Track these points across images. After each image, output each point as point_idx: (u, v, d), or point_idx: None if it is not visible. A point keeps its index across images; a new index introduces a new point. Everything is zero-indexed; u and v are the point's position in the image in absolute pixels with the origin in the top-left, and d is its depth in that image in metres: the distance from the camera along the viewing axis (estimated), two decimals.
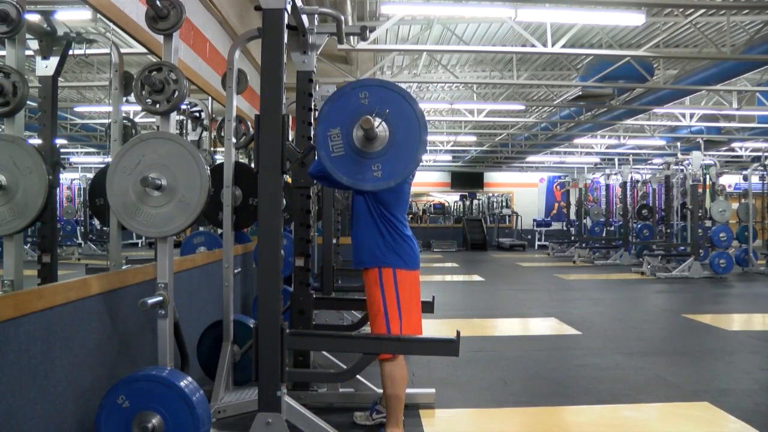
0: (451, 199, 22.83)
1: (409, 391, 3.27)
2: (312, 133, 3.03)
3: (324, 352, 3.43)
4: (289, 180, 3.10)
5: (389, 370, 2.57)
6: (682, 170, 11.70)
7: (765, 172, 11.23)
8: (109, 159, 2.75)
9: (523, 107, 12.41)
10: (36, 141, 2.32)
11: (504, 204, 21.99)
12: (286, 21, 2.22)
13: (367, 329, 3.97)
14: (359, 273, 2.77)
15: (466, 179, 22.66)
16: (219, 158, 4.41)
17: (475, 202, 22.26)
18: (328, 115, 2.22)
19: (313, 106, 3.04)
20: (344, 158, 2.20)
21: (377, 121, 2.14)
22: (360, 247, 2.67)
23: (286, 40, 2.24)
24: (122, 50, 2.79)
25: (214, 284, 3.67)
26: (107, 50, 2.74)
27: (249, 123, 4.56)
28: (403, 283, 2.62)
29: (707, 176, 10.99)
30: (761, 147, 14.90)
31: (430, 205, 22.62)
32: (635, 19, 6.59)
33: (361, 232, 2.65)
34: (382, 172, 2.19)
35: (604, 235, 14.66)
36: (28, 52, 2.25)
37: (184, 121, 4.16)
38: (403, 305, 2.60)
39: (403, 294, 2.61)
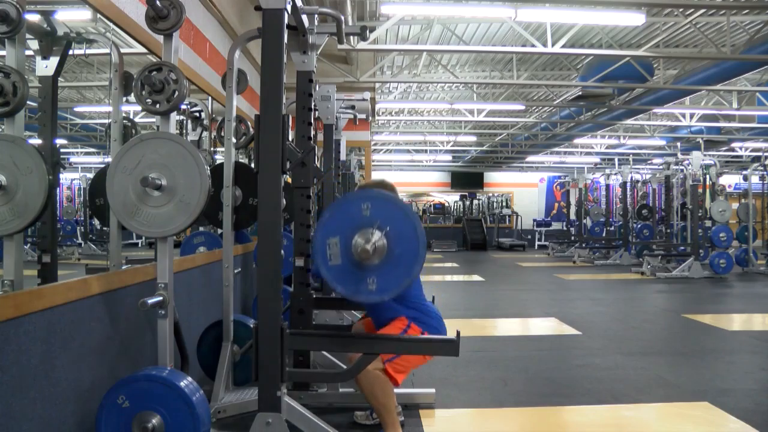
0: (451, 199, 22.84)
1: (409, 391, 3.28)
2: (312, 133, 3.03)
3: (324, 352, 3.43)
4: (289, 180, 3.10)
5: (367, 386, 2.56)
6: (682, 170, 11.70)
7: (765, 172, 11.22)
8: (109, 159, 2.75)
9: (523, 107, 12.41)
10: (36, 141, 2.32)
11: (504, 204, 22.00)
12: (286, 21, 2.22)
13: None
14: None
15: (466, 179, 22.67)
16: (219, 158, 4.41)
17: (475, 202, 22.26)
18: (328, 223, 2.21)
19: (313, 106, 3.03)
20: (341, 268, 2.18)
21: (377, 235, 2.13)
22: (383, 316, 2.71)
23: (286, 40, 2.24)
24: (122, 50, 2.79)
25: (214, 284, 3.67)
26: (107, 50, 2.74)
27: (249, 123, 4.56)
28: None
29: (707, 176, 10.99)
30: (761, 147, 14.90)
31: (430, 205, 22.63)
32: (635, 19, 6.59)
33: (381, 307, 2.69)
34: (377, 286, 2.17)
35: (604, 235, 14.66)
36: (28, 52, 2.25)
37: (184, 121, 4.16)
38: (401, 360, 2.64)
39: (408, 358, 2.65)
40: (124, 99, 2.77)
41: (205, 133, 4.38)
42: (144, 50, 3.02)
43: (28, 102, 2.12)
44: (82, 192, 3.87)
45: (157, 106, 2.25)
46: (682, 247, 11.10)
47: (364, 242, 2.11)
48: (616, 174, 14.93)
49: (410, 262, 2.17)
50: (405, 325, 2.65)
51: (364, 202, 2.20)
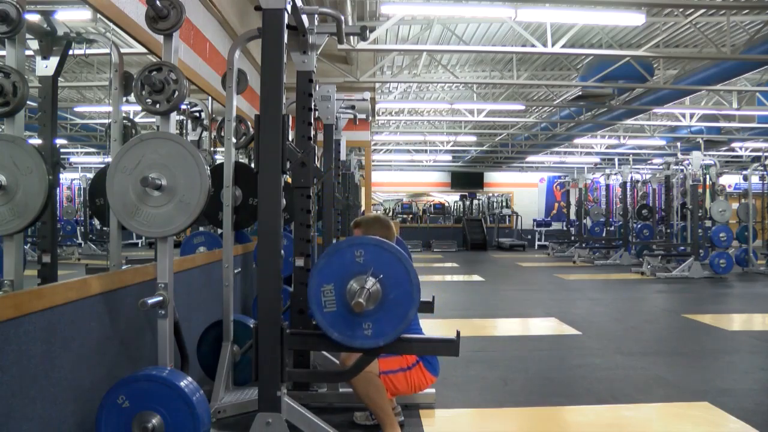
0: (451, 199, 22.84)
1: None
2: (312, 133, 3.03)
3: (324, 352, 3.43)
4: (289, 180, 3.10)
5: (362, 389, 2.59)
6: (682, 170, 11.70)
7: (765, 172, 11.23)
8: (109, 159, 2.75)
9: (523, 107, 12.41)
10: (36, 141, 2.32)
11: (504, 204, 22.00)
12: (286, 21, 2.22)
13: None
14: None
15: (466, 179, 22.67)
16: (219, 158, 4.41)
17: (475, 202, 22.26)
18: (322, 270, 2.22)
19: (313, 106, 3.03)
20: (335, 314, 2.20)
21: (371, 281, 2.15)
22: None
23: (286, 40, 2.24)
24: (122, 50, 2.79)
25: (214, 284, 3.67)
26: (107, 50, 2.74)
27: (249, 123, 4.55)
28: (413, 377, 2.76)
29: (707, 176, 10.99)
30: (761, 147, 14.90)
31: (430, 205, 22.63)
32: (635, 19, 6.59)
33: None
34: (372, 331, 2.19)
35: (604, 235, 14.66)
36: (28, 52, 2.25)
37: (184, 121, 4.16)
38: (399, 375, 2.73)
39: (403, 376, 2.73)
40: (124, 99, 2.77)
41: (205, 133, 4.38)
42: (144, 50, 3.02)
43: (28, 102, 2.12)
44: (82, 192, 3.87)
45: (157, 106, 2.25)
46: (682, 247, 11.10)
47: (358, 288, 2.13)
48: (616, 174, 14.93)
49: (405, 307, 2.18)
50: (415, 361, 2.75)
51: (357, 249, 2.22)
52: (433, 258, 15.02)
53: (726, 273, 9.81)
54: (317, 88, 3.82)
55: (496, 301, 7.65)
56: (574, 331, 5.37)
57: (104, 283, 2.37)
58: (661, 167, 14.99)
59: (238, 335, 3.12)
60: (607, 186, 15.27)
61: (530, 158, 20.78)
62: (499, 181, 23.02)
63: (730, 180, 17.27)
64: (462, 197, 22.46)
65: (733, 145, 16.26)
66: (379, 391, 2.58)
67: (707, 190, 11.01)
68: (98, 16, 2.57)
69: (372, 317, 2.18)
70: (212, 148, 4.57)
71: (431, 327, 5.09)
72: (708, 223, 10.45)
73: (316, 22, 2.92)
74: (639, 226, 13.21)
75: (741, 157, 18.10)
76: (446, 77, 10.25)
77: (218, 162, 4.09)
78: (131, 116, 3.07)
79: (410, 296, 2.19)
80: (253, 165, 2.69)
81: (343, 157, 5.88)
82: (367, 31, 3.32)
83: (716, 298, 7.90)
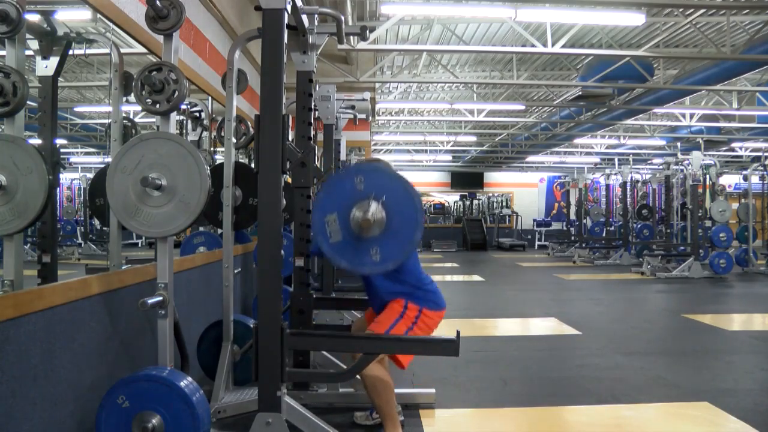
0: (451, 199, 22.83)
1: (409, 390, 3.28)
2: (312, 133, 3.03)
3: (324, 352, 3.43)
4: (289, 180, 3.10)
5: (371, 382, 2.56)
6: (682, 170, 11.70)
7: (765, 172, 11.22)
8: (109, 159, 2.75)
9: (523, 107, 12.41)
10: (36, 141, 2.32)
11: (504, 204, 21.99)
12: (286, 21, 2.22)
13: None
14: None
15: (466, 179, 22.66)
16: (219, 158, 4.41)
17: (475, 202, 22.26)
18: (324, 201, 2.22)
19: (313, 106, 3.03)
20: (342, 244, 2.20)
21: (374, 205, 2.15)
22: (381, 294, 2.69)
23: (286, 40, 2.24)
24: (122, 50, 2.79)
25: (214, 284, 3.67)
26: (107, 50, 2.74)
27: (249, 123, 4.56)
28: (423, 321, 2.66)
29: (707, 176, 10.98)
30: (761, 147, 14.89)
31: (430, 205, 22.62)
32: (635, 19, 6.59)
33: (379, 284, 2.68)
34: (381, 256, 2.19)
35: (604, 235, 14.66)
36: (28, 52, 2.25)
37: (184, 121, 4.16)
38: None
39: (416, 330, 2.64)
40: (124, 99, 2.77)
41: (205, 133, 4.38)
42: (144, 50, 3.02)
43: (28, 102, 2.12)
44: (82, 192, 3.87)
45: (157, 106, 2.25)
46: (682, 247, 11.10)
47: (362, 214, 2.12)
48: (616, 174, 14.93)
49: (410, 229, 2.19)
50: (402, 307, 2.63)
51: (356, 176, 2.22)
52: (433, 258, 15.02)
53: (726, 273, 9.80)
54: (317, 88, 3.83)
55: (496, 301, 7.65)
56: (574, 331, 5.37)
57: (104, 283, 2.37)
58: (661, 167, 14.98)
59: (238, 335, 3.12)
60: (607, 186, 15.27)
61: (530, 158, 20.77)
62: (499, 181, 23.01)
63: (730, 180, 17.26)
64: (462, 197, 22.46)
65: (733, 145, 16.26)
66: (386, 386, 2.57)
67: (707, 190, 11.01)
68: (98, 16, 2.57)
69: (379, 242, 2.18)
70: (212, 148, 4.57)
71: None
72: (708, 223, 10.45)
73: (316, 22, 2.92)
74: (639, 226, 13.21)
75: (741, 157, 18.10)
76: (446, 77, 10.25)
77: (218, 162, 4.10)
78: (131, 116, 3.07)
79: (414, 218, 2.19)
80: (253, 165, 2.69)
81: (343, 157, 5.88)
82: (367, 31, 3.31)
83: (716, 298, 7.90)
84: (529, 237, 19.91)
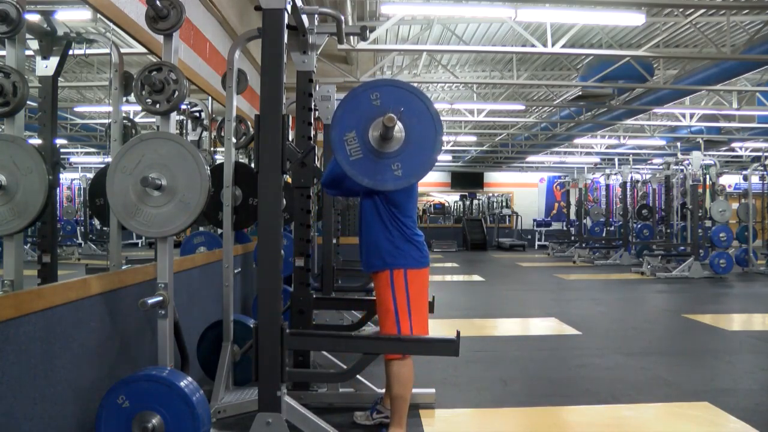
0: (451, 199, 22.84)
1: None
2: (312, 133, 3.03)
3: (324, 352, 3.43)
4: (289, 180, 3.10)
5: (397, 369, 2.56)
6: (682, 170, 11.70)
7: (765, 172, 11.22)
8: (109, 159, 2.75)
9: (523, 107, 12.41)
10: (36, 141, 2.32)
11: (504, 204, 22.00)
12: (286, 21, 2.22)
13: (366, 329, 3.97)
14: (359, 273, 2.78)
15: (466, 179, 22.67)
16: (219, 158, 4.41)
17: (475, 202, 22.26)
18: (342, 119, 2.20)
19: (313, 106, 3.04)
20: (363, 161, 2.18)
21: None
22: (369, 251, 2.67)
23: (286, 40, 2.24)
24: (122, 50, 2.79)
25: (214, 284, 3.67)
26: (107, 50, 2.74)
27: (249, 123, 4.56)
28: (413, 282, 2.63)
29: (707, 176, 10.98)
30: (761, 147, 14.89)
31: (430, 205, 22.62)
32: (635, 19, 6.59)
33: (371, 235, 2.65)
34: (402, 171, 2.18)
35: (604, 235, 14.66)
36: (28, 52, 2.25)
37: (184, 121, 4.16)
38: (413, 305, 2.61)
39: (413, 293, 2.62)
40: (124, 99, 2.77)
41: (205, 133, 4.38)
42: (144, 50, 3.03)
43: (28, 102, 2.12)
44: (82, 192, 3.87)
45: (157, 106, 2.25)
46: (682, 247, 11.10)
47: (380, 130, 2.09)
48: (616, 174, 14.93)
49: (430, 143, 2.17)
50: (389, 278, 2.60)
51: (372, 92, 2.19)
52: (433, 258, 15.01)
53: (726, 273, 9.80)
54: (317, 88, 3.82)
55: (496, 301, 7.64)
56: (574, 331, 5.37)
57: (104, 283, 2.37)
58: (661, 167, 14.98)
59: (238, 335, 3.12)
60: (607, 186, 15.27)
61: (530, 158, 20.77)
62: (499, 181, 23.02)
63: (730, 180, 17.26)
64: (462, 197, 22.46)
65: (733, 145, 16.25)
66: (409, 377, 2.59)
67: (707, 190, 11.01)
68: (98, 16, 2.57)
69: (399, 157, 2.16)
70: (212, 148, 4.57)
71: (431, 327, 5.07)
72: (708, 223, 10.45)
73: (316, 22, 2.92)
74: (639, 226, 13.21)
75: (741, 157, 18.10)
76: (446, 77, 10.25)
77: (218, 162, 4.10)
78: (131, 116, 3.07)
79: (433, 131, 2.17)
80: (253, 165, 2.69)
81: None
82: (367, 31, 3.32)
83: (716, 298, 7.90)
84: (529, 237, 19.91)
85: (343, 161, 2.19)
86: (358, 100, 2.22)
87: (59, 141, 2.54)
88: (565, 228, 17.40)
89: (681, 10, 7.26)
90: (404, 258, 2.61)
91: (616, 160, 19.06)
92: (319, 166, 5.18)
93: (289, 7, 2.23)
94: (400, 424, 2.60)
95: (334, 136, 2.20)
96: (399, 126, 2.14)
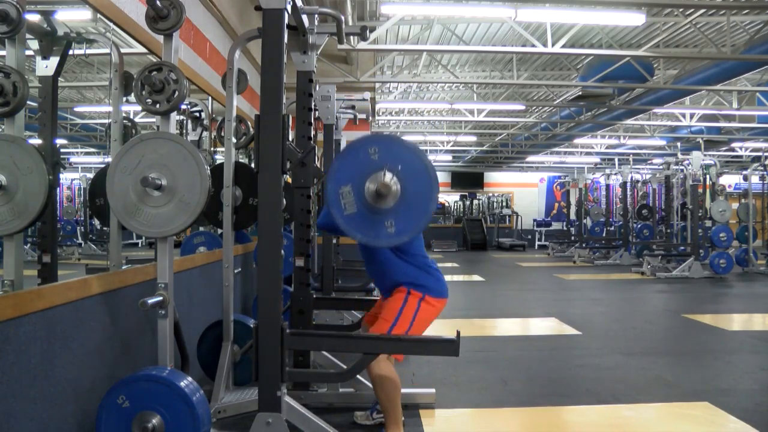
0: (451, 199, 22.83)
1: (409, 390, 3.27)
2: (312, 133, 3.02)
3: (324, 352, 3.43)
4: (289, 180, 3.10)
5: (377, 376, 2.57)
6: (682, 170, 11.69)
7: (765, 172, 11.22)
8: (109, 159, 2.75)
9: (523, 107, 12.41)
10: (36, 141, 2.32)
11: (504, 204, 21.99)
12: (286, 21, 2.22)
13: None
14: (359, 273, 2.78)
15: (466, 179, 22.66)
16: (219, 158, 4.41)
17: (475, 202, 22.26)
18: (339, 171, 2.19)
19: (313, 106, 3.03)
20: (357, 216, 2.17)
21: (389, 176, 2.12)
22: (387, 276, 2.70)
23: (286, 40, 2.24)
24: (122, 50, 2.79)
25: (214, 284, 3.67)
26: (107, 50, 2.74)
27: (249, 123, 4.56)
28: (425, 310, 2.66)
29: (707, 176, 10.98)
30: (761, 147, 14.89)
31: None
32: (635, 19, 6.59)
33: (385, 267, 2.68)
34: (396, 228, 2.17)
35: (604, 235, 14.66)
36: (28, 52, 2.25)
37: (184, 121, 4.16)
38: (411, 330, 2.63)
39: (418, 320, 2.64)
40: (124, 99, 2.77)
41: (205, 133, 4.38)
42: (144, 50, 3.02)
43: (28, 102, 2.12)
44: (82, 192, 3.87)
45: (157, 106, 2.25)
46: (682, 247, 11.10)
47: (376, 185, 2.09)
48: (616, 174, 14.93)
49: (425, 200, 2.16)
50: (405, 294, 2.63)
51: (371, 146, 2.18)
52: (434, 258, 14.97)
53: (726, 273, 9.80)
54: (317, 88, 3.82)
55: (496, 301, 7.65)
56: (574, 331, 5.37)
57: (104, 283, 2.37)
58: (661, 167, 14.98)
59: (238, 335, 3.12)
60: (607, 186, 15.27)
61: (530, 158, 20.77)
62: (499, 181, 23.01)
63: (730, 180, 17.25)
64: (462, 197, 22.46)
65: (733, 145, 16.25)
66: (394, 384, 2.58)
67: (707, 190, 11.01)
68: (98, 16, 2.57)
69: (394, 214, 2.15)
70: (212, 148, 4.57)
71: (431, 327, 5.08)
72: (708, 223, 10.45)
73: (316, 22, 2.92)
74: (639, 226, 13.20)
75: (741, 157, 18.09)
76: (446, 77, 10.24)
77: (218, 162, 4.09)
78: (131, 116, 3.07)
79: (429, 189, 2.16)
80: (253, 165, 2.69)
81: None
82: (367, 31, 3.31)
83: (716, 298, 7.90)
84: (529, 237, 19.91)
85: (337, 216, 2.19)
86: (356, 153, 2.21)
87: (59, 141, 2.54)
88: (565, 228, 17.39)
89: (681, 10, 7.26)
90: (425, 286, 2.66)
91: (616, 160, 19.06)
92: (319, 166, 5.18)
93: (289, 7, 2.23)
94: (396, 425, 2.60)
95: (330, 189, 2.19)
96: (395, 182, 2.14)
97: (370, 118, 9.00)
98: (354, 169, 2.17)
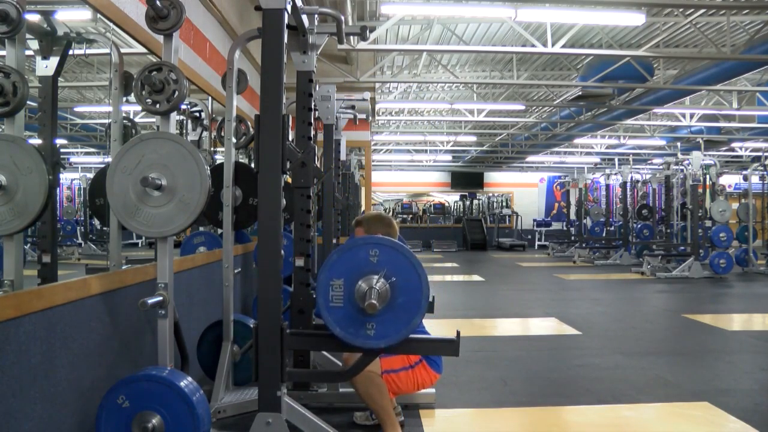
0: (451, 199, 22.84)
1: None
2: (312, 133, 3.02)
3: (324, 352, 3.43)
4: (289, 180, 3.10)
5: (363, 388, 2.59)
6: (682, 170, 11.69)
7: (765, 172, 11.22)
8: (109, 159, 2.75)
9: (523, 107, 12.41)
10: (36, 141, 2.32)
11: (504, 204, 21.99)
12: (286, 21, 2.22)
13: None
14: None
15: (466, 179, 22.66)
16: (219, 158, 4.41)
17: (475, 202, 22.26)
18: (335, 264, 2.20)
19: (313, 106, 3.03)
20: (341, 310, 2.17)
21: (381, 282, 2.12)
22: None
23: (286, 40, 2.24)
24: (122, 50, 2.79)
25: (214, 284, 3.67)
26: (107, 50, 2.74)
27: (249, 123, 4.55)
28: (416, 374, 2.78)
29: (707, 176, 10.98)
30: (761, 147, 14.89)
31: (430, 205, 22.62)
32: (635, 19, 6.59)
33: None
34: (375, 332, 2.16)
35: (604, 235, 14.66)
36: (28, 52, 2.25)
37: (184, 121, 4.16)
38: (397, 377, 2.74)
39: (406, 376, 2.75)
40: (124, 99, 2.77)
41: (205, 133, 4.38)
42: (144, 50, 3.02)
43: (28, 102, 2.12)
44: (82, 192, 3.86)
45: (157, 106, 2.25)
46: (682, 247, 11.09)
47: (367, 288, 2.10)
48: (616, 174, 14.93)
49: (412, 313, 2.16)
50: (418, 359, 2.76)
51: (372, 248, 2.19)
52: (433, 258, 15.02)
53: (726, 273, 9.80)
54: (317, 88, 3.82)
55: (496, 301, 7.65)
56: (574, 331, 5.37)
57: (104, 283, 2.37)
58: (661, 167, 14.98)
59: (238, 335, 3.12)
60: (607, 186, 15.27)
61: (530, 158, 20.77)
62: (499, 181, 23.01)
63: (730, 180, 17.26)
64: (462, 197, 22.46)
65: (733, 145, 16.26)
66: (380, 391, 2.58)
67: (707, 190, 11.01)
68: (98, 16, 2.57)
69: (377, 318, 2.16)
70: (212, 148, 4.57)
71: (431, 327, 5.05)
72: (708, 223, 10.44)
73: (316, 22, 2.92)
74: (639, 226, 13.20)
75: (741, 157, 18.10)
76: (446, 77, 10.24)
77: (218, 162, 4.09)
78: (131, 116, 3.07)
79: (419, 303, 2.17)
80: (253, 165, 2.69)
81: (343, 157, 5.88)
82: (367, 31, 3.31)
83: (716, 298, 7.90)
84: (529, 237, 19.91)
85: (322, 305, 2.20)
86: (355, 252, 2.21)
87: (59, 141, 2.53)
88: (565, 228, 17.39)
89: (681, 10, 7.26)
90: (426, 356, 2.78)
91: (616, 160, 19.06)
92: (318, 166, 5.17)
93: (289, 7, 2.23)
94: (393, 427, 2.61)
95: (322, 278, 2.20)
96: (386, 289, 2.14)
97: (370, 118, 9.01)
98: (350, 265, 2.18)
